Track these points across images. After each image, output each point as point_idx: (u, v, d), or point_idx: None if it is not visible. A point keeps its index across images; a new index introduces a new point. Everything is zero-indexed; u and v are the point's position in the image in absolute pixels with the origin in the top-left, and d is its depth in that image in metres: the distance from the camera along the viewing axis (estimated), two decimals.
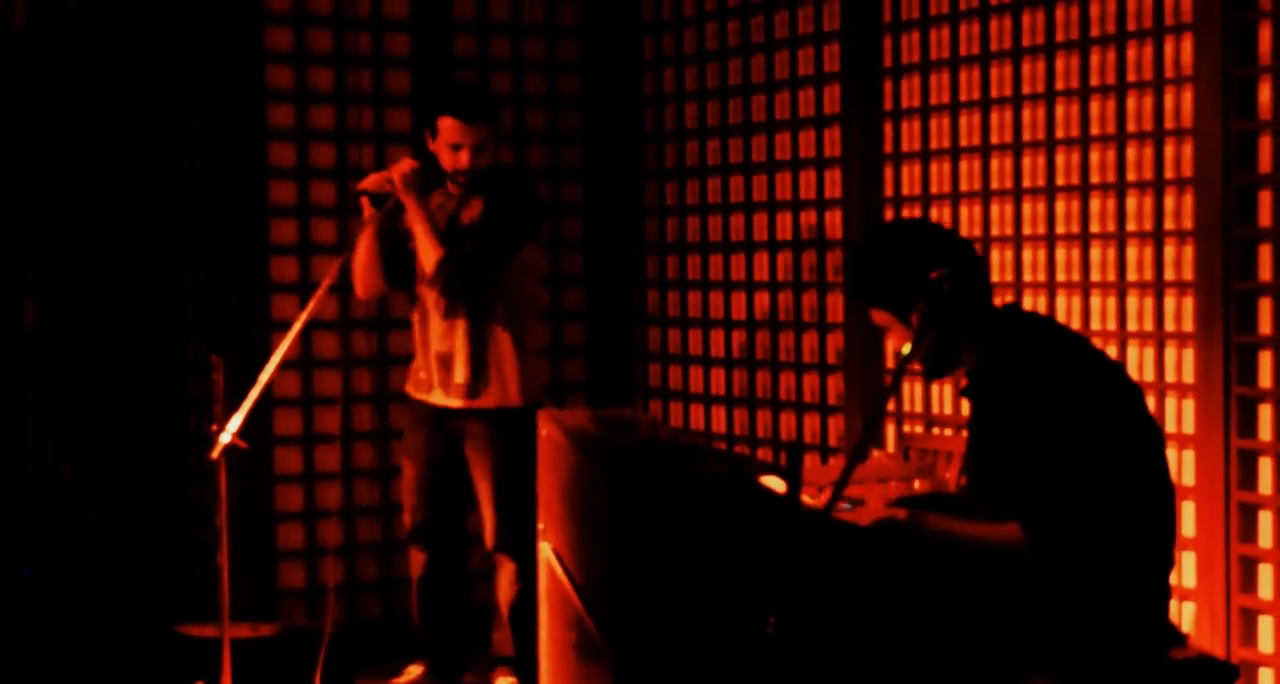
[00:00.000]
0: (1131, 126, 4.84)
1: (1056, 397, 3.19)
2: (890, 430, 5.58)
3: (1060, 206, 5.04)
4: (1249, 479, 4.54)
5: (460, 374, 5.14)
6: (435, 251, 5.02)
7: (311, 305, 4.67)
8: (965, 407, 5.25)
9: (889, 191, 5.61)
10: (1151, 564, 3.24)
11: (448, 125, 5.03)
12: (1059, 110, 5.04)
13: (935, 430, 5.40)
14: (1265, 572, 4.54)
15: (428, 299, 5.16)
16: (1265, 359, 4.52)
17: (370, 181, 5.06)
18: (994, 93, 5.25)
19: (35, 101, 6.01)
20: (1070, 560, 3.11)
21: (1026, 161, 5.15)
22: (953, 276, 3.31)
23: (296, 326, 4.62)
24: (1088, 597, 3.13)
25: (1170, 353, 4.75)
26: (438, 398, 5.20)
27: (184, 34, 6.19)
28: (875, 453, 5.40)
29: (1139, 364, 4.82)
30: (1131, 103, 4.83)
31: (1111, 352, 4.85)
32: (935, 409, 5.45)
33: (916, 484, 4.97)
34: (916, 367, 3.42)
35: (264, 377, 4.55)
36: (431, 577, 5.32)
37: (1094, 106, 4.93)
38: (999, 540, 3.14)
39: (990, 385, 3.34)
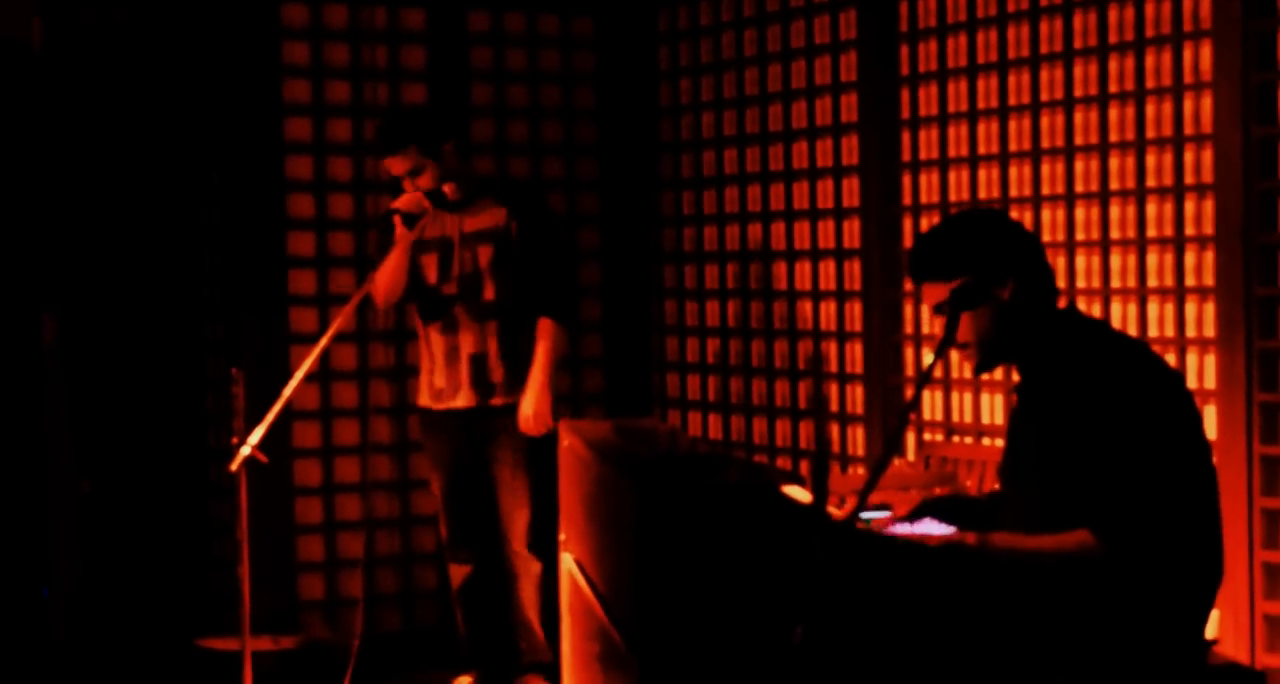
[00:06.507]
0: (1151, 133, 4.82)
1: (1131, 401, 3.13)
2: (910, 438, 5.57)
3: (1080, 213, 5.03)
4: (1272, 485, 4.52)
5: (497, 372, 5.19)
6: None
7: (338, 321, 4.66)
8: (998, 414, 5.24)
9: (907, 200, 5.61)
10: (1207, 573, 3.21)
11: (383, 165, 5.24)
12: (1078, 117, 5.03)
13: (955, 438, 5.39)
14: None
15: (456, 309, 5.21)
16: None
17: (404, 202, 5.06)
18: (1012, 100, 5.24)
19: (53, 117, 6.03)
20: (1143, 564, 3.07)
21: (1045, 169, 5.14)
22: (1017, 289, 3.27)
23: (323, 341, 4.61)
24: (1150, 603, 3.10)
25: (1191, 359, 4.74)
26: (463, 401, 5.21)
27: (202, 42, 6.20)
28: (896, 461, 5.41)
29: None
30: (1151, 109, 4.82)
31: None
32: (955, 418, 5.43)
33: (937, 491, 4.97)
34: (964, 357, 3.38)
35: (287, 391, 4.54)
36: (473, 585, 5.30)
37: (1113, 113, 4.92)
38: (1070, 548, 3.10)
39: (1053, 388, 3.28)
